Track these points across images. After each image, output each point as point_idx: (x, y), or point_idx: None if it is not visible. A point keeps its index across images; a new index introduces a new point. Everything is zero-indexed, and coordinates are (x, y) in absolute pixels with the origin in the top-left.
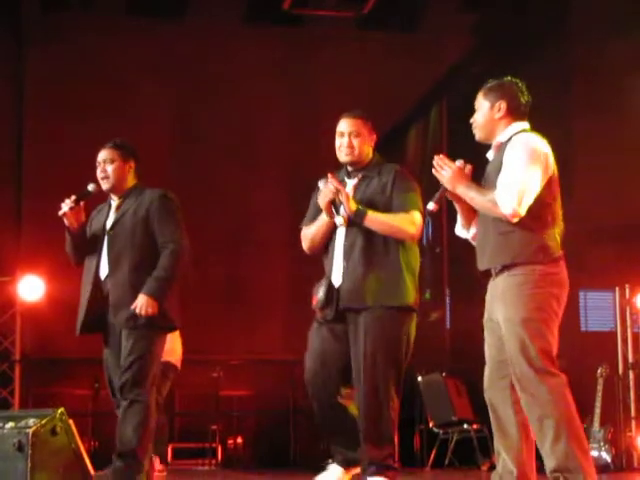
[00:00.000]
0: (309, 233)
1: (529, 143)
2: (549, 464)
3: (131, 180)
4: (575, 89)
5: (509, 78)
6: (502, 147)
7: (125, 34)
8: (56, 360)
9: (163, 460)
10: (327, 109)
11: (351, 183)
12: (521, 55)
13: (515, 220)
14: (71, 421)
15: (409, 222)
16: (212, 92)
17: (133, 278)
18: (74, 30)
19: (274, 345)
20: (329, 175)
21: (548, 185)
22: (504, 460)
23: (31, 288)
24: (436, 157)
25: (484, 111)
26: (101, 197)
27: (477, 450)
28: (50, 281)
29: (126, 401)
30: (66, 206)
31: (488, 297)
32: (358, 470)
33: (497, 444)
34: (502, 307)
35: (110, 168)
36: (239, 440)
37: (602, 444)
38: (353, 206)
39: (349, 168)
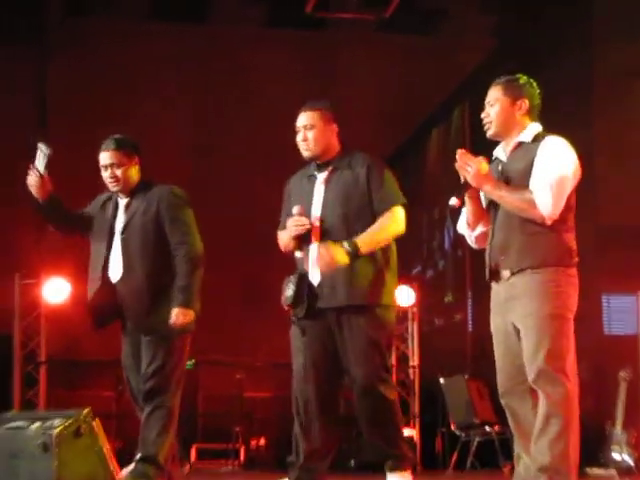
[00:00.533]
0: (284, 238)
1: (566, 148)
2: (541, 460)
3: (137, 176)
4: (596, 90)
5: (525, 77)
6: (525, 148)
7: (147, 38)
8: (80, 362)
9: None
10: (348, 112)
11: (321, 177)
12: (542, 56)
13: (550, 222)
14: (97, 422)
15: (395, 224)
16: (233, 95)
17: (149, 283)
18: (97, 34)
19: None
20: (298, 208)
21: (574, 190)
22: (525, 463)
23: (56, 290)
24: (459, 152)
25: (504, 107)
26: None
27: (499, 452)
28: (75, 283)
29: (150, 407)
30: (31, 179)
31: (500, 299)
32: None
33: (518, 447)
34: (525, 303)
35: (120, 171)
36: (262, 442)
37: (624, 447)
38: (343, 258)
39: (317, 162)
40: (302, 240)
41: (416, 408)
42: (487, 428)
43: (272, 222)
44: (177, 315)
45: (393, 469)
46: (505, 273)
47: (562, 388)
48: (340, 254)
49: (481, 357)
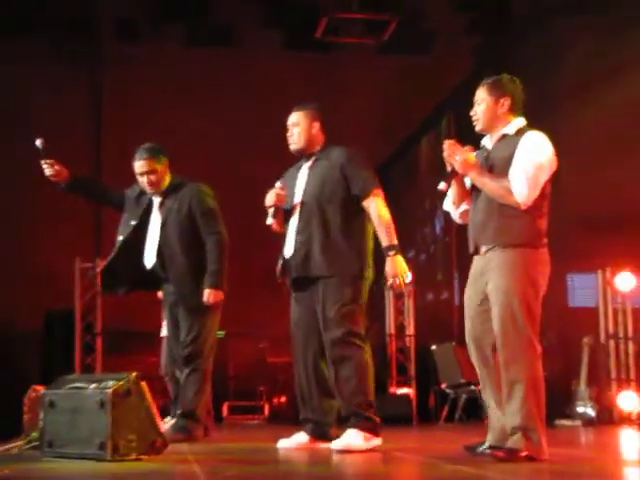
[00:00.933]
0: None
1: (544, 142)
2: (512, 421)
3: (168, 178)
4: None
5: (508, 77)
6: (508, 139)
7: (184, 61)
8: (130, 332)
9: None
10: (353, 123)
11: (306, 166)
12: (516, 72)
13: (524, 207)
14: (144, 383)
15: (383, 207)
16: (257, 107)
17: (187, 268)
18: (142, 58)
19: None
20: (280, 184)
21: (549, 180)
22: (496, 412)
23: None
24: (447, 142)
25: (488, 105)
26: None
27: (482, 407)
28: None
29: (188, 369)
30: (46, 170)
31: (477, 270)
32: (326, 444)
33: (487, 397)
34: (496, 277)
35: (154, 177)
36: (283, 399)
37: (587, 402)
38: (401, 267)
39: (304, 154)
40: (278, 213)
41: (412, 371)
42: (472, 387)
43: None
44: (209, 295)
45: (351, 426)
46: (483, 248)
47: (527, 355)
48: (400, 267)
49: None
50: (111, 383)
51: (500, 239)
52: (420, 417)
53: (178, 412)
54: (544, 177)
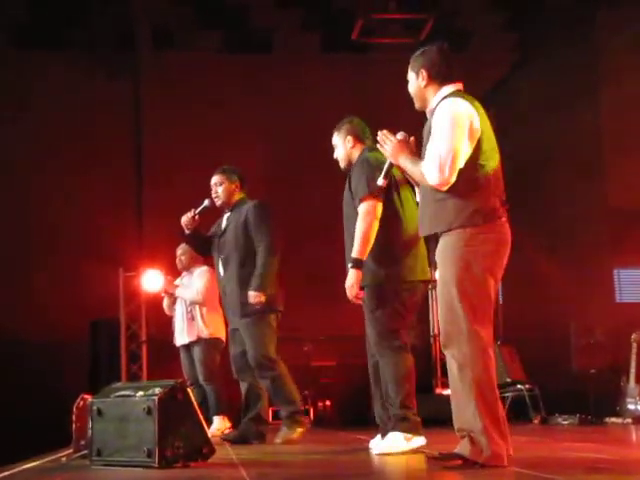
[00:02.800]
0: None
1: (449, 109)
2: (458, 422)
3: (238, 195)
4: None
5: (422, 49)
6: (432, 114)
7: (220, 68)
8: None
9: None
10: (392, 130)
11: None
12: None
13: (445, 188)
14: (190, 390)
15: (364, 217)
16: (295, 111)
17: (240, 273)
18: (179, 66)
19: (355, 322)
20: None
21: (478, 148)
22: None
23: (152, 281)
24: (380, 132)
25: (412, 82)
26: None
27: (529, 406)
28: (169, 273)
29: (265, 379)
30: (185, 218)
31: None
32: None
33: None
34: (439, 268)
35: (220, 189)
36: (328, 403)
37: (638, 399)
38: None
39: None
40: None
41: None
42: (518, 386)
43: (328, 216)
44: (251, 297)
45: (392, 429)
46: (438, 234)
47: (468, 347)
48: (350, 280)
49: (511, 326)
50: (157, 390)
51: (436, 225)
52: None
53: (283, 414)
54: (459, 148)
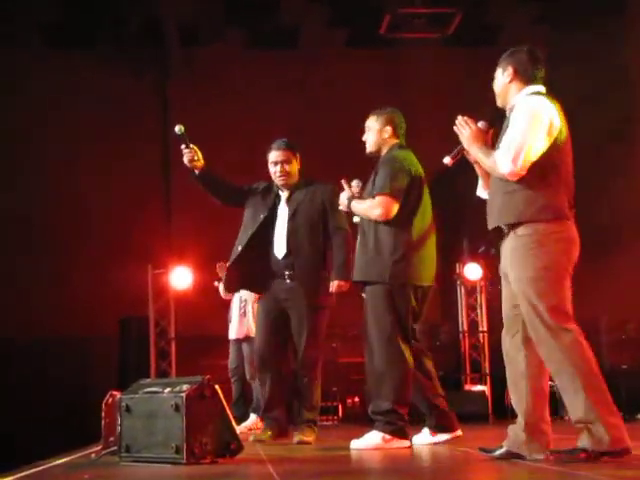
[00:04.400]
0: None
1: (530, 104)
2: (572, 416)
3: (297, 174)
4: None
5: (517, 47)
6: (512, 110)
7: (246, 63)
8: (205, 337)
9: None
10: (421, 125)
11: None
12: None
13: (515, 179)
14: (217, 386)
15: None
16: (322, 109)
17: (314, 260)
18: (206, 62)
19: None
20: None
21: (554, 147)
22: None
23: (181, 278)
24: (459, 117)
25: (497, 78)
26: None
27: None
28: (197, 270)
29: (304, 378)
30: (186, 155)
31: (502, 253)
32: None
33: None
34: (511, 267)
35: (288, 167)
36: (356, 399)
37: None
38: None
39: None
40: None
41: (487, 367)
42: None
43: None
44: (338, 286)
45: (375, 427)
46: (502, 229)
47: (558, 343)
48: None
49: None
50: (185, 387)
51: (504, 217)
52: (496, 414)
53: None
54: (535, 142)
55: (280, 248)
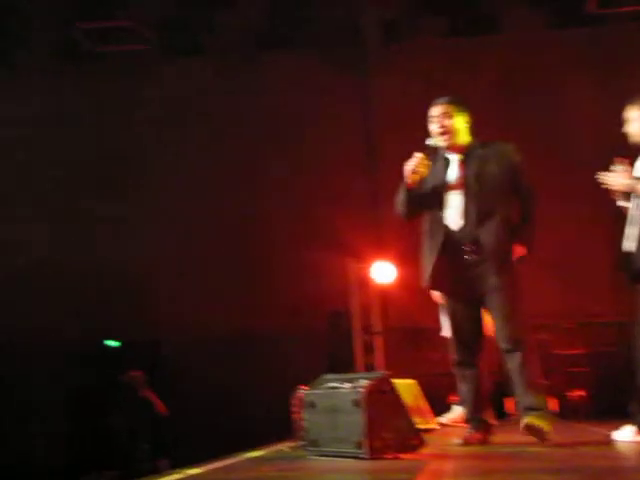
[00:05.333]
0: None
1: None
2: None
3: (467, 135)
4: None
5: None
6: None
7: (448, 54)
8: (414, 329)
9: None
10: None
11: None
12: None
13: None
14: (395, 382)
15: None
16: (530, 91)
17: (504, 226)
18: (406, 54)
19: (603, 308)
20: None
21: None
22: None
23: (382, 272)
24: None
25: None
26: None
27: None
28: (400, 266)
29: (518, 352)
30: (418, 167)
31: None
32: None
33: None
34: None
35: (448, 122)
36: (580, 393)
37: None
38: None
39: None
40: None
41: None
42: None
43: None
44: (518, 250)
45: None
46: None
47: None
48: None
49: None
50: (363, 382)
51: None
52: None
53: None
54: None
55: (455, 220)
